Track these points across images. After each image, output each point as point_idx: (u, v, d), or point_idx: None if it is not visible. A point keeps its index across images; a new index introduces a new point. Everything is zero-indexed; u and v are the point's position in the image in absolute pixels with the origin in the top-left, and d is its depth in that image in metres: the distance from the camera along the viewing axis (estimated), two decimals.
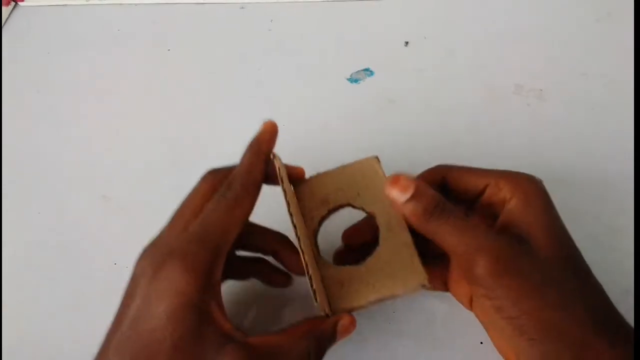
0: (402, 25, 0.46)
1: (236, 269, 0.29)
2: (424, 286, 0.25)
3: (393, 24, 0.47)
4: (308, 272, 0.24)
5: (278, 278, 0.31)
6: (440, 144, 0.38)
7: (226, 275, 0.24)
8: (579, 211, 0.32)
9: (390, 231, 0.27)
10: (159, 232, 0.25)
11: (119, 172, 0.40)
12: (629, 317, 0.23)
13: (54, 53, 0.49)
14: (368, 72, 0.44)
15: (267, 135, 0.27)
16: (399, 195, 0.24)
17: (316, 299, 0.23)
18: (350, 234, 0.30)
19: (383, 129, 0.40)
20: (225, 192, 0.25)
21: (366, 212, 0.28)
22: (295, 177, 0.29)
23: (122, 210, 0.38)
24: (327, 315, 0.25)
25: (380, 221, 0.27)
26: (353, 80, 0.43)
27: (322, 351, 0.24)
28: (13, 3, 0.53)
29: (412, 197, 0.24)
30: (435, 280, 0.29)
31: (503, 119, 0.39)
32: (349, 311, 0.25)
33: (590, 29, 0.44)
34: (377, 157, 0.29)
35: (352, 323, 0.25)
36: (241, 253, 0.30)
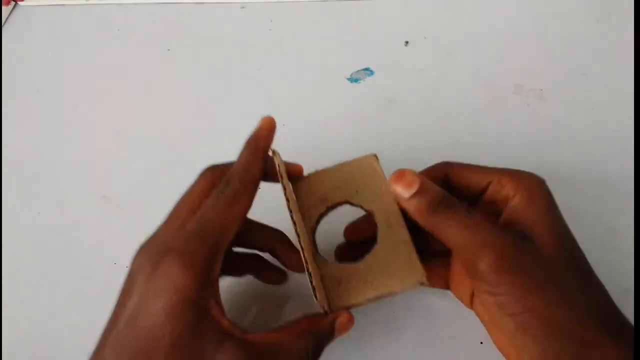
0: (402, 25, 0.46)
1: (232, 266, 0.29)
2: (422, 283, 0.25)
3: (393, 23, 0.47)
4: (308, 269, 0.24)
5: (273, 275, 0.31)
6: (440, 144, 0.38)
7: (222, 272, 0.24)
8: (579, 211, 0.32)
9: (388, 229, 0.27)
10: (156, 229, 0.25)
11: (119, 172, 0.40)
12: (629, 317, 0.23)
13: (54, 53, 0.49)
14: (368, 71, 0.44)
15: (265, 132, 0.27)
16: (403, 191, 0.24)
17: (316, 296, 0.23)
18: (351, 230, 0.30)
19: (383, 128, 0.40)
20: (223, 188, 0.25)
21: (364, 210, 0.28)
22: (294, 175, 0.29)
23: (122, 210, 0.38)
24: (325, 313, 0.25)
25: (379, 219, 0.27)
26: (353, 80, 0.43)
27: (320, 348, 0.24)
28: (13, 3, 0.53)
29: (417, 193, 0.24)
30: (434, 278, 0.29)
31: (503, 119, 0.39)
32: (347, 308, 0.25)
33: (590, 29, 0.44)
34: (375, 155, 0.29)
35: (350, 321, 0.25)
36: (237, 249, 0.30)
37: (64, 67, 0.47)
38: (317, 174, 0.29)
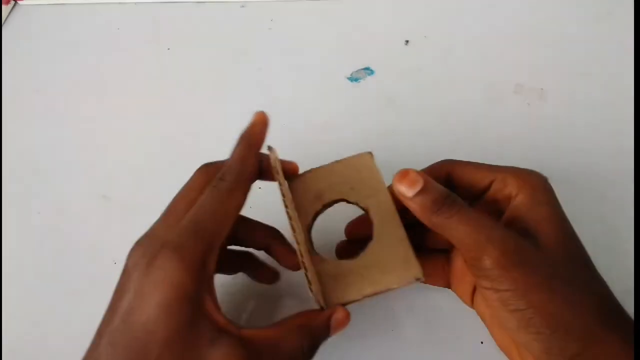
0: (402, 24, 0.46)
1: (226, 263, 0.29)
2: (418, 279, 0.25)
3: (393, 23, 0.47)
4: (303, 262, 0.24)
5: (265, 274, 0.31)
6: (440, 143, 0.38)
7: (216, 269, 0.24)
8: (579, 211, 0.32)
9: (384, 225, 0.27)
10: (152, 225, 0.25)
11: (119, 172, 0.40)
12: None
13: (54, 52, 0.48)
14: (368, 71, 0.43)
15: (259, 127, 0.27)
16: (407, 190, 0.24)
17: (311, 289, 0.23)
18: (352, 228, 0.30)
19: (383, 128, 0.40)
20: (217, 183, 0.25)
21: (360, 207, 0.28)
22: (289, 173, 0.29)
23: (122, 210, 0.38)
24: (321, 308, 0.25)
25: (375, 216, 0.27)
26: (353, 79, 0.43)
27: (315, 344, 0.24)
28: (13, 2, 0.53)
29: (421, 191, 0.24)
30: (435, 277, 0.29)
31: (503, 118, 0.39)
32: (344, 304, 0.25)
33: (590, 29, 0.44)
34: (370, 153, 0.29)
35: (347, 317, 0.25)
36: (231, 247, 0.30)
37: (64, 66, 0.47)
38: (312, 172, 0.29)
